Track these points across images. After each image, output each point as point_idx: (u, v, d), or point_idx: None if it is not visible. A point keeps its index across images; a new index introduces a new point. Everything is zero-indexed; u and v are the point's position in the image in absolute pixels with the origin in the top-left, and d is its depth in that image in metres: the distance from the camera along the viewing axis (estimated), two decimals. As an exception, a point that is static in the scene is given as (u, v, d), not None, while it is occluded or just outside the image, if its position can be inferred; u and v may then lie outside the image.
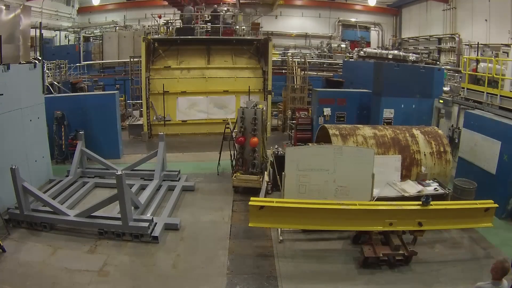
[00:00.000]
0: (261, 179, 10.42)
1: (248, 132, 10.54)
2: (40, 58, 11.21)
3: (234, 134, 11.40)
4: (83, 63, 23.68)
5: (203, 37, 18.27)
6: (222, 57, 18.32)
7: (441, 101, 13.17)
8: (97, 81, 21.69)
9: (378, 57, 23.41)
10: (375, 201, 7.92)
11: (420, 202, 7.15)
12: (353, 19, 32.92)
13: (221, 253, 7.73)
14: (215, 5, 20.20)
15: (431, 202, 7.38)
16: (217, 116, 17.46)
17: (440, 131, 10.25)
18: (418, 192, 8.65)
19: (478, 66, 12.05)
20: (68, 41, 30.48)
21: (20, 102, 9.85)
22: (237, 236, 8.45)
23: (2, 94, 9.01)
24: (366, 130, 10.00)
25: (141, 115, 18.56)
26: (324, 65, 27.05)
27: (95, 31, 30.62)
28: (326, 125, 10.57)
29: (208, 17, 19.17)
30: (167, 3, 24.65)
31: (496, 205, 7.36)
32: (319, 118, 14.88)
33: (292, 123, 15.91)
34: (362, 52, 24.96)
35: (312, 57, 28.19)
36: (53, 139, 12.82)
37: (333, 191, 7.98)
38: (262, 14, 25.91)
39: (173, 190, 10.58)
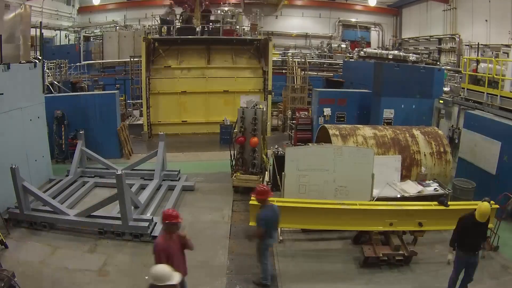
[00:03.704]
0: (261, 179, 10.43)
1: (248, 132, 10.54)
2: (40, 58, 11.20)
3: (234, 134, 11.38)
4: (83, 62, 23.66)
5: (203, 37, 18.28)
6: (222, 57, 18.33)
7: (441, 101, 13.17)
8: (97, 81, 21.69)
9: (378, 57, 23.38)
10: (375, 201, 7.92)
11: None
12: (353, 19, 32.89)
13: (221, 253, 7.73)
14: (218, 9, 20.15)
15: (431, 203, 7.40)
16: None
17: (440, 132, 10.25)
18: (418, 192, 8.65)
19: (478, 67, 12.04)
20: (68, 40, 30.44)
21: (20, 101, 9.85)
22: (237, 235, 8.45)
23: (2, 94, 9.00)
24: (366, 130, 10.00)
25: (141, 115, 18.56)
26: (324, 65, 27.03)
27: (95, 31, 30.56)
28: (326, 125, 10.57)
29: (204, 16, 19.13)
30: (167, 3, 24.58)
31: (497, 206, 7.36)
32: (319, 118, 14.89)
33: (292, 123, 15.92)
34: (362, 52, 24.94)
35: (312, 57, 28.16)
36: (53, 138, 12.83)
37: (333, 191, 7.97)
38: (263, 14, 25.88)
39: (173, 189, 10.58)
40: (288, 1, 31.26)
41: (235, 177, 10.59)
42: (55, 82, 16.73)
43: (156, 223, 8.35)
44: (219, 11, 19.46)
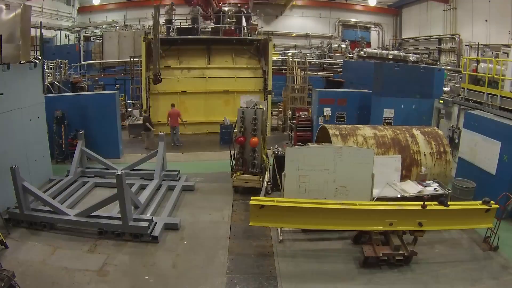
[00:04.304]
0: (261, 179, 10.43)
1: (248, 132, 10.54)
2: (40, 58, 11.20)
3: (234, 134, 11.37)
4: (83, 62, 23.68)
5: (204, 37, 18.27)
6: (222, 57, 18.33)
7: (441, 101, 13.16)
8: (97, 81, 21.69)
9: (378, 57, 23.41)
10: (375, 201, 7.92)
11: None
12: (353, 19, 32.94)
13: (221, 253, 7.73)
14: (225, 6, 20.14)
15: (431, 203, 7.38)
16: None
17: (440, 132, 10.24)
18: (418, 192, 8.65)
19: (478, 67, 12.03)
20: (68, 40, 30.45)
21: (20, 101, 9.84)
22: (237, 236, 8.45)
23: (2, 94, 9.00)
24: (366, 130, 10.00)
25: (141, 115, 18.56)
26: (324, 65, 27.06)
27: (95, 31, 30.58)
28: (326, 125, 10.57)
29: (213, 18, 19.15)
30: (167, 3, 24.59)
31: (497, 206, 7.35)
32: (319, 118, 14.89)
33: (292, 123, 15.91)
34: (362, 52, 24.99)
35: (312, 57, 28.20)
36: (53, 138, 12.82)
37: (333, 191, 7.97)
38: (263, 14, 25.90)
39: (173, 190, 10.58)
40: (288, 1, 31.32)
41: (235, 177, 10.59)
42: (55, 82, 16.71)
43: (156, 223, 8.36)
44: (219, 11, 19.45)
